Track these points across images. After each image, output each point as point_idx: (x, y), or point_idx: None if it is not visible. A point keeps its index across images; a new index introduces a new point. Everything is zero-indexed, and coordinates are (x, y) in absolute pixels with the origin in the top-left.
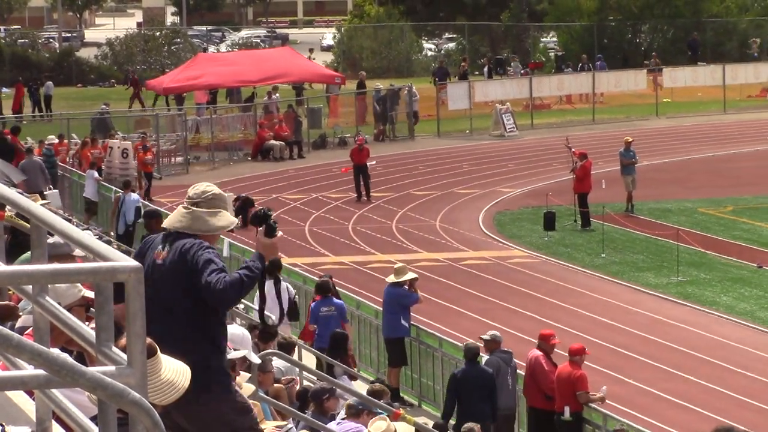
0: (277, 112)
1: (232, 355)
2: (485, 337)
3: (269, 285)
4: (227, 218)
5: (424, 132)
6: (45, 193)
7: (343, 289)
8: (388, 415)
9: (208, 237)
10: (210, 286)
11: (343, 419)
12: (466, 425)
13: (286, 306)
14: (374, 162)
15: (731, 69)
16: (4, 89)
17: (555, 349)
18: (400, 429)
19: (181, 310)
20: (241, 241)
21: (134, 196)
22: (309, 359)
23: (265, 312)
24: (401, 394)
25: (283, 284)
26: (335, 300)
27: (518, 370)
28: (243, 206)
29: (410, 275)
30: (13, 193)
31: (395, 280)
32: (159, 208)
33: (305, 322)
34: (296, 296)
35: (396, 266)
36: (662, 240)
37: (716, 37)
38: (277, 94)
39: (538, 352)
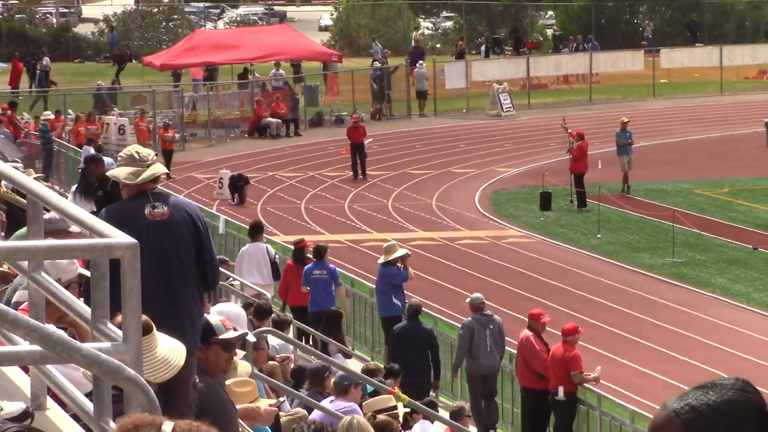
0: (283, 86)
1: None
2: (468, 300)
3: (252, 247)
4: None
5: (420, 110)
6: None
7: (338, 267)
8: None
9: None
10: (215, 270)
11: (335, 399)
12: (456, 403)
13: (270, 266)
14: (370, 140)
15: (729, 50)
16: (1, 64)
17: (547, 328)
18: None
19: (189, 263)
20: (236, 218)
21: (108, 159)
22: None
23: (244, 274)
24: None
25: (262, 245)
26: (328, 264)
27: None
28: (237, 183)
29: (400, 252)
30: (10, 169)
31: (385, 260)
32: (100, 154)
33: (281, 281)
34: (276, 256)
35: (385, 245)
36: (658, 221)
37: (714, 19)
38: (282, 71)
39: (528, 333)
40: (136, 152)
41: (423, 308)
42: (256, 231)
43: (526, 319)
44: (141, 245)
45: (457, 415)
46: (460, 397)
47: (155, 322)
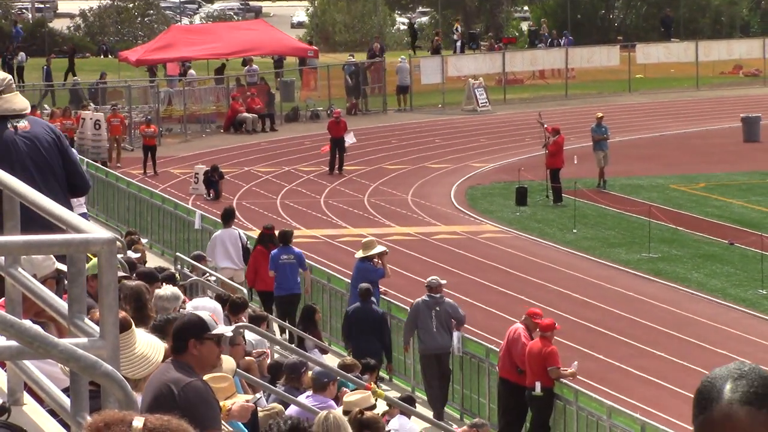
0: (259, 82)
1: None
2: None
3: (224, 233)
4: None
5: (396, 106)
6: None
7: (314, 262)
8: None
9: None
10: (83, 174)
11: (312, 394)
12: (475, 420)
13: (241, 252)
14: (355, 141)
15: (704, 46)
16: None
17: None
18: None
19: (57, 170)
20: (212, 213)
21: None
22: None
23: (217, 259)
24: None
25: (235, 231)
26: (294, 249)
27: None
28: (210, 177)
29: (378, 249)
30: None
31: (363, 255)
32: None
33: (248, 266)
34: (248, 242)
35: (363, 241)
36: (634, 216)
37: (690, 14)
38: (256, 66)
39: (520, 326)
40: None
41: (400, 304)
42: (228, 217)
43: (502, 314)
44: (9, 157)
45: (474, 426)
46: (412, 379)
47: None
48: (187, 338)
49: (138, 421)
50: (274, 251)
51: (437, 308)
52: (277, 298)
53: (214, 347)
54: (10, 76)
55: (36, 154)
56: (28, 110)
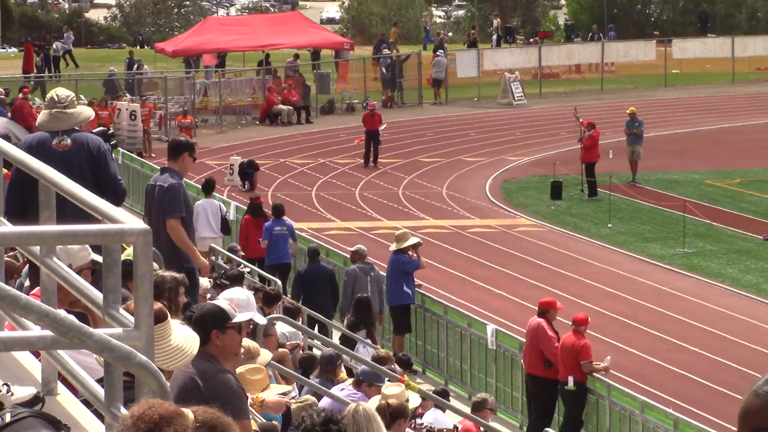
0: (294, 74)
1: (238, 317)
2: (352, 249)
3: (206, 202)
4: (87, 112)
5: (432, 99)
6: None
7: (348, 254)
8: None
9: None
10: (116, 187)
11: (345, 386)
12: (479, 395)
13: (220, 221)
14: (384, 126)
15: (741, 41)
16: (13, 49)
17: (558, 317)
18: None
19: (89, 178)
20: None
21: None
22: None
23: (199, 228)
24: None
25: (215, 202)
26: (287, 221)
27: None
28: (246, 170)
29: (412, 240)
30: (22, 154)
31: (397, 248)
32: None
33: (240, 235)
34: (227, 212)
35: (397, 233)
36: (669, 211)
37: (727, 9)
38: (298, 60)
39: (540, 319)
40: (56, 95)
41: (433, 297)
42: (209, 188)
43: (536, 307)
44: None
45: (478, 406)
46: (446, 372)
47: None
48: (209, 329)
49: (191, 415)
50: (268, 223)
51: (372, 273)
52: (269, 268)
53: (236, 336)
54: (72, 94)
55: (65, 172)
56: (81, 122)
